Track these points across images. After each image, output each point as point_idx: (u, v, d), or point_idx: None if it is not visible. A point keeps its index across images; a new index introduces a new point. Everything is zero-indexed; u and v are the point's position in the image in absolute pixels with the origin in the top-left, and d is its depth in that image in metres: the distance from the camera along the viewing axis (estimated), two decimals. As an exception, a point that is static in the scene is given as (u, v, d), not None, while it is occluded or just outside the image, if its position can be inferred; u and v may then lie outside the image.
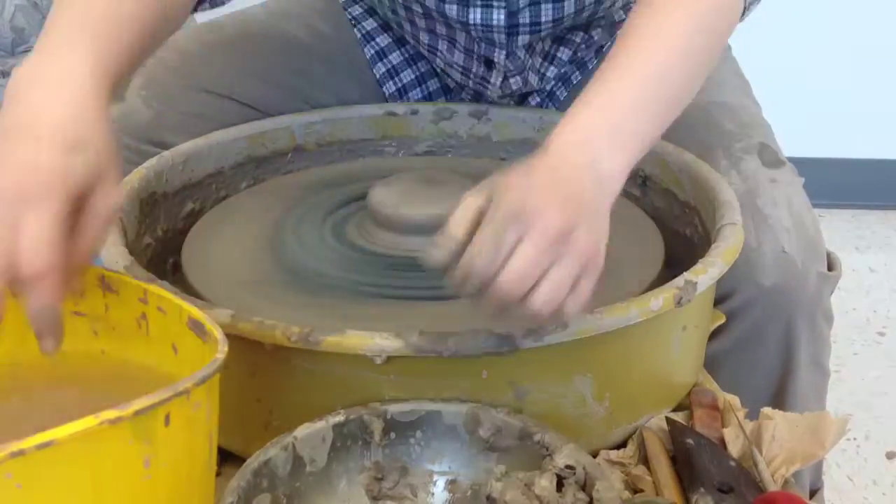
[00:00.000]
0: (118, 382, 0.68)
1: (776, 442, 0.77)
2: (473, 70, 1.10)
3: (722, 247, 0.82)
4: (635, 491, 0.76)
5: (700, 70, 0.79)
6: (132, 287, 0.68)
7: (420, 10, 1.06)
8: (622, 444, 0.80)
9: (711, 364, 0.92)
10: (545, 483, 0.68)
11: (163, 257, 0.99)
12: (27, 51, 1.84)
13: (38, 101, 0.62)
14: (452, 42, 1.09)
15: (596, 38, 1.12)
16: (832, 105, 2.17)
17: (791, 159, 1.02)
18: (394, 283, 0.85)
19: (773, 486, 0.73)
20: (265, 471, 0.67)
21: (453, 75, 1.14)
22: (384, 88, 1.18)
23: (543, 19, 1.02)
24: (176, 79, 1.10)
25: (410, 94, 1.19)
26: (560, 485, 0.68)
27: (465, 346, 0.70)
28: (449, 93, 1.20)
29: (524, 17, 1.02)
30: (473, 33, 1.03)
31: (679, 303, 0.75)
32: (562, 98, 1.15)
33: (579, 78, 1.14)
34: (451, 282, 0.65)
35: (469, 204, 0.65)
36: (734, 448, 0.78)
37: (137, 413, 0.52)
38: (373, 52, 1.18)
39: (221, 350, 0.58)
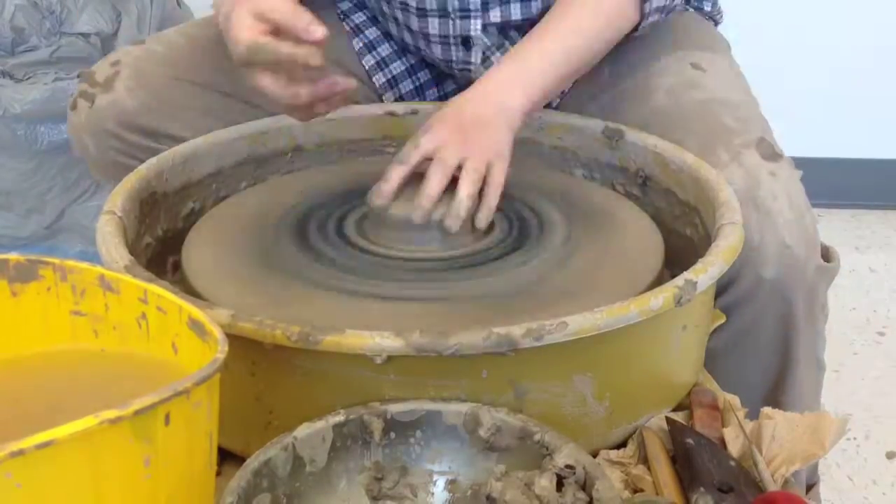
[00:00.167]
0: (118, 382, 0.68)
1: (776, 442, 0.77)
2: (454, 58, 1.13)
3: (722, 246, 0.82)
4: (635, 491, 0.76)
5: (596, 51, 1.01)
6: (132, 287, 0.68)
7: (398, 2, 1.10)
8: (622, 444, 0.80)
9: (710, 357, 0.92)
10: (545, 483, 0.68)
11: (163, 257, 0.99)
12: (27, 50, 1.84)
13: None
14: (427, 37, 1.12)
15: None
16: (832, 105, 2.17)
17: (791, 159, 1.02)
18: (394, 283, 0.85)
19: (772, 486, 0.74)
20: (265, 471, 0.67)
21: (440, 66, 1.17)
22: (374, 80, 1.19)
23: None
24: (162, 69, 1.11)
25: (401, 86, 1.20)
26: (560, 484, 0.68)
27: (465, 346, 0.70)
28: (441, 83, 1.21)
29: None
30: (450, 6, 1.08)
31: (679, 302, 0.75)
32: None
33: None
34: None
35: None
36: (734, 448, 0.78)
37: (137, 412, 0.52)
38: (361, 44, 1.20)
39: (221, 350, 0.58)
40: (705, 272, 0.78)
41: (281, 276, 0.87)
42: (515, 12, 1.09)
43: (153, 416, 0.53)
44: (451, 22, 1.10)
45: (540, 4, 1.09)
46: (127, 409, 0.52)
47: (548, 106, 1.16)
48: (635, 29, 1.04)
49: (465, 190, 0.88)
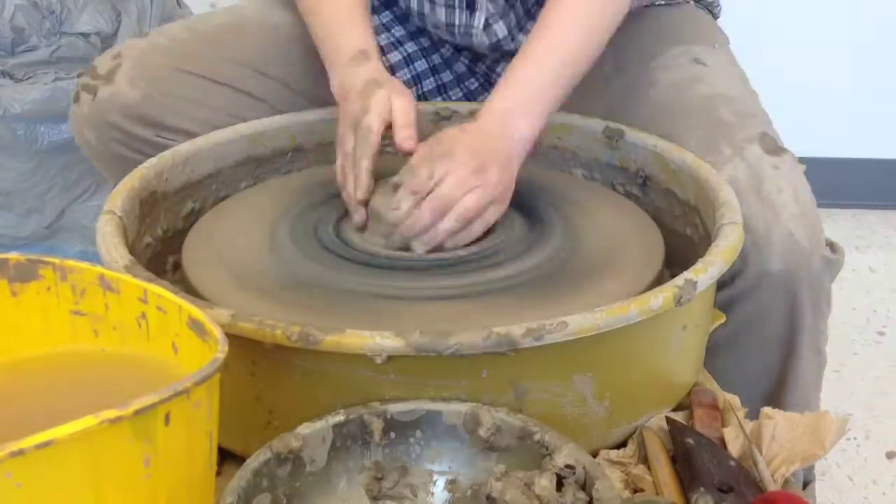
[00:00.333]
0: (118, 382, 0.68)
1: (776, 442, 0.77)
2: (457, 22, 1.13)
3: (722, 246, 0.82)
4: (635, 490, 0.76)
5: (592, 55, 0.99)
6: (132, 287, 0.68)
7: None
8: (622, 444, 0.80)
9: (715, 349, 0.92)
10: (545, 483, 0.68)
11: (163, 257, 0.99)
12: (27, 50, 1.84)
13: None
14: (432, 2, 1.13)
15: None
16: (832, 105, 2.17)
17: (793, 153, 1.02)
18: (393, 283, 0.85)
19: (772, 486, 0.74)
20: (265, 471, 0.67)
21: (444, 37, 1.17)
22: (397, 76, 1.20)
23: None
24: (164, 61, 1.11)
25: (424, 83, 1.21)
26: (560, 484, 0.68)
27: (466, 346, 0.70)
28: (463, 81, 1.23)
29: None
30: None
31: (679, 302, 0.75)
32: None
33: None
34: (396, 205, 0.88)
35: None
36: (734, 448, 0.78)
37: (137, 412, 0.52)
38: (386, 42, 1.20)
39: (221, 350, 0.58)
40: (705, 272, 0.78)
41: (281, 277, 0.87)
42: None
43: (153, 416, 0.53)
44: None
45: None
46: (127, 408, 0.52)
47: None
48: None
49: (448, 224, 0.87)
